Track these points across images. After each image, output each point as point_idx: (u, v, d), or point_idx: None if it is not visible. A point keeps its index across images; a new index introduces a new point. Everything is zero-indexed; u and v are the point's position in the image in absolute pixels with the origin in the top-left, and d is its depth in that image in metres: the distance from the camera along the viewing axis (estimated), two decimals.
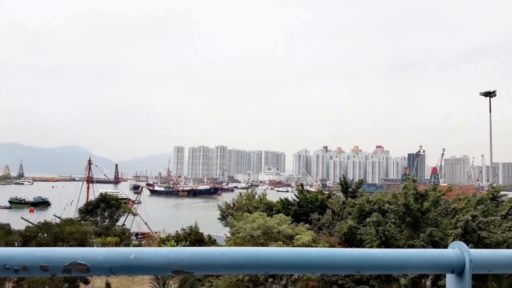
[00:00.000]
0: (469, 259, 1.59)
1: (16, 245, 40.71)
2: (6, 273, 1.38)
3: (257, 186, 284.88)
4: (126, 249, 1.46)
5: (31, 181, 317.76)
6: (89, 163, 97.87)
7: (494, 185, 37.49)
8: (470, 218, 27.22)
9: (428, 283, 29.99)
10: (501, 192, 36.20)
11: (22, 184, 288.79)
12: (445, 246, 1.74)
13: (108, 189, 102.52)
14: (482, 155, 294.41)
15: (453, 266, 1.62)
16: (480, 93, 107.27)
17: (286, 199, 53.72)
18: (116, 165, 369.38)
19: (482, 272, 1.66)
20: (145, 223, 76.80)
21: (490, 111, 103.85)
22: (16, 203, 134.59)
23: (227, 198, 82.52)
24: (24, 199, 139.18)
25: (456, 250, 1.65)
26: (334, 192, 59.94)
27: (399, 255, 1.64)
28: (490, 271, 1.66)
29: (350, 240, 33.19)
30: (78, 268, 1.40)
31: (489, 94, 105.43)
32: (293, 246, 28.17)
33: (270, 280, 34.31)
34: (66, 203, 78.64)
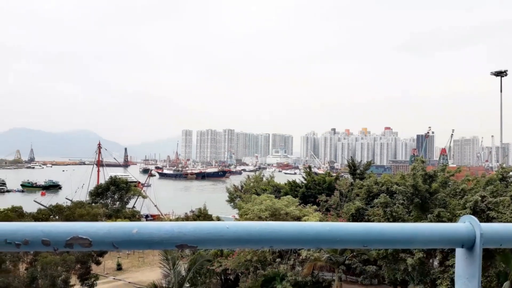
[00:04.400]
0: (480, 233, 1.54)
1: None
2: (8, 247, 1.37)
3: (265, 168, 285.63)
4: (129, 223, 1.44)
5: (42, 165, 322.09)
6: (99, 147, 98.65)
7: (504, 165, 37.10)
8: (479, 198, 27.12)
9: (436, 262, 30.11)
10: (511, 173, 35.87)
11: (33, 168, 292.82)
12: None
13: (118, 172, 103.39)
14: (492, 136, 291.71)
15: (463, 240, 1.57)
16: (491, 72, 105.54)
17: (294, 181, 53.87)
18: (126, 149, 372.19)
19: (493, 247, 1.62)
20: (155, 206, 77.75)
21: (501, 91, 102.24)
22: (28, 187, 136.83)
23: (235, 180, 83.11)
24: (35, 183, 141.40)
25: (466, 224, 1.60)
26: (342, 174, 59.93)
27: (407, 229, 1.60)
28: (501, 245, 1.62)
29: (358, 221, 33.33)
30: (80, 242, 1.39)
31: (500, 74, 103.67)
32: None
33: (278, 260, 34.72)
34: (76, 186, 79.70)
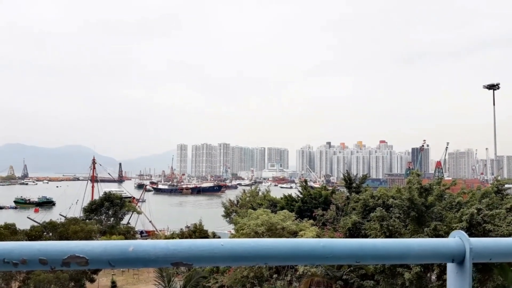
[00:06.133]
0: (470, 248, 1.58)
1: None
2: (5, 267, 1.39)
3: (260, 183, 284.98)
4: (125, 241, 1.46)
5: (36, 181, 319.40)
6: (93, 162, 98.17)
7: (499, 178, 37.36)
8: (475, 211, 27.12)
9: (433, 277, 29.95)
10: (506, 185, 36.03)
11: (27, 184, 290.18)
12: None
13: (112, 188, 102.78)
14: (487, 148, 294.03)
15: (453, 255, 1.61)
16: (484, 86, 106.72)
17: (290, 196, 53.69)
18: (120, 164, 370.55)
19: (482, 261, 1.65)
20: (150, 221, 77.10)
21: (494, 104, 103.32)
22: (21, 203, 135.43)
23: (230, 195, 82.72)
24: (29, 199, 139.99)
25: (456, 239, 1.64)
26: (338, 187, 59.85)
27: (399, 244, 1.64)
28: (491, 260, 1.65)
29: (355, 235, 33.18)
30: (77, 261, 1.41)
31: (493, 87, 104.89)
32: None
33: (275, 276, 34.39)
34: (70, 202, 79.04)
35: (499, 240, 1.68)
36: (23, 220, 65.39)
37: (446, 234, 27.73)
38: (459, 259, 1.61)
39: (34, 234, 44.55)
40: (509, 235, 26.12)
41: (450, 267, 1.65)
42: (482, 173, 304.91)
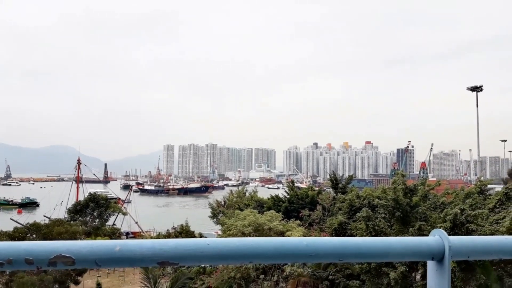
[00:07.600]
0: (449, 246, 1.63)
1: None
2: None
3: (247, 183, 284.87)
4: (111, 241, 1.47)
5: (19, 182, 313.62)
6: (78, 162, 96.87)
7: (482, 178, 37.99)
8: (459, 211, 27.56)
9: (418, 276, 30.33)
10: (488, 186, 36.67)
11: (10, 185, 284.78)
12: None
13: (98, 188, 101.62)
14: (470, 150, 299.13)
15: (433, 253, 1.65)
16: (467, 87, 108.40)
17: (277, 196, 53.82)
18: (105, 165, 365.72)
19: (461, 259, 1.71)
20: (136, 222, 76.42)
21: (477, 106, 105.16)
22: (4, 204, 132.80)
23: (217, 196, 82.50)
24: (12, 200, 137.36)
25: (436, 237, 1.69)
26: (324, 188, 60.19)
27: (380, 243, 1.68)
28: (468, 258, 1.71)
29: (341, 235, 33.40)
30: (63, 261, 1.41)
31: (476, 89, 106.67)
32: None
33: (261, 276, 34.41)
34: (55, 203, 77.86)
35: (476, 238, 1.74)
36: (6, 222, 64.18)
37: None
38: (438, 257, 1.65)
39: (18, 235, 43.76)
40: (491, 234, 26.60)
41: (430, 265, 1.70)
42: (465, 174, 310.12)
